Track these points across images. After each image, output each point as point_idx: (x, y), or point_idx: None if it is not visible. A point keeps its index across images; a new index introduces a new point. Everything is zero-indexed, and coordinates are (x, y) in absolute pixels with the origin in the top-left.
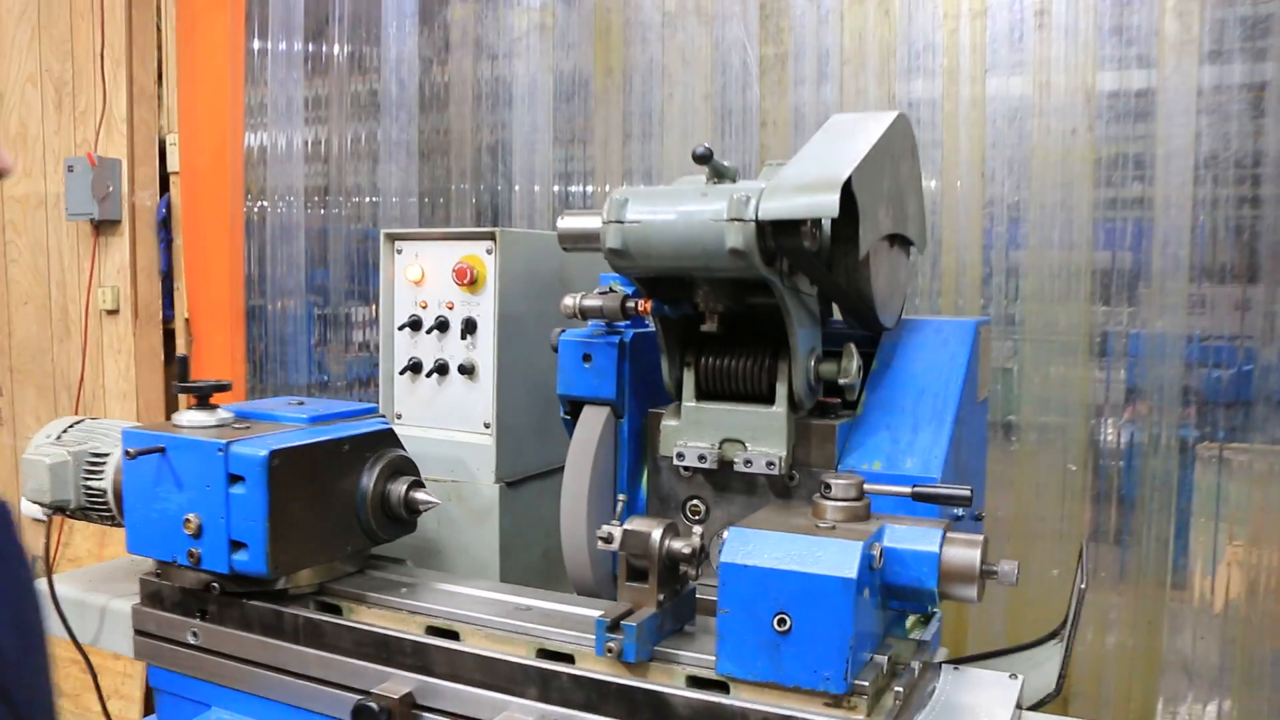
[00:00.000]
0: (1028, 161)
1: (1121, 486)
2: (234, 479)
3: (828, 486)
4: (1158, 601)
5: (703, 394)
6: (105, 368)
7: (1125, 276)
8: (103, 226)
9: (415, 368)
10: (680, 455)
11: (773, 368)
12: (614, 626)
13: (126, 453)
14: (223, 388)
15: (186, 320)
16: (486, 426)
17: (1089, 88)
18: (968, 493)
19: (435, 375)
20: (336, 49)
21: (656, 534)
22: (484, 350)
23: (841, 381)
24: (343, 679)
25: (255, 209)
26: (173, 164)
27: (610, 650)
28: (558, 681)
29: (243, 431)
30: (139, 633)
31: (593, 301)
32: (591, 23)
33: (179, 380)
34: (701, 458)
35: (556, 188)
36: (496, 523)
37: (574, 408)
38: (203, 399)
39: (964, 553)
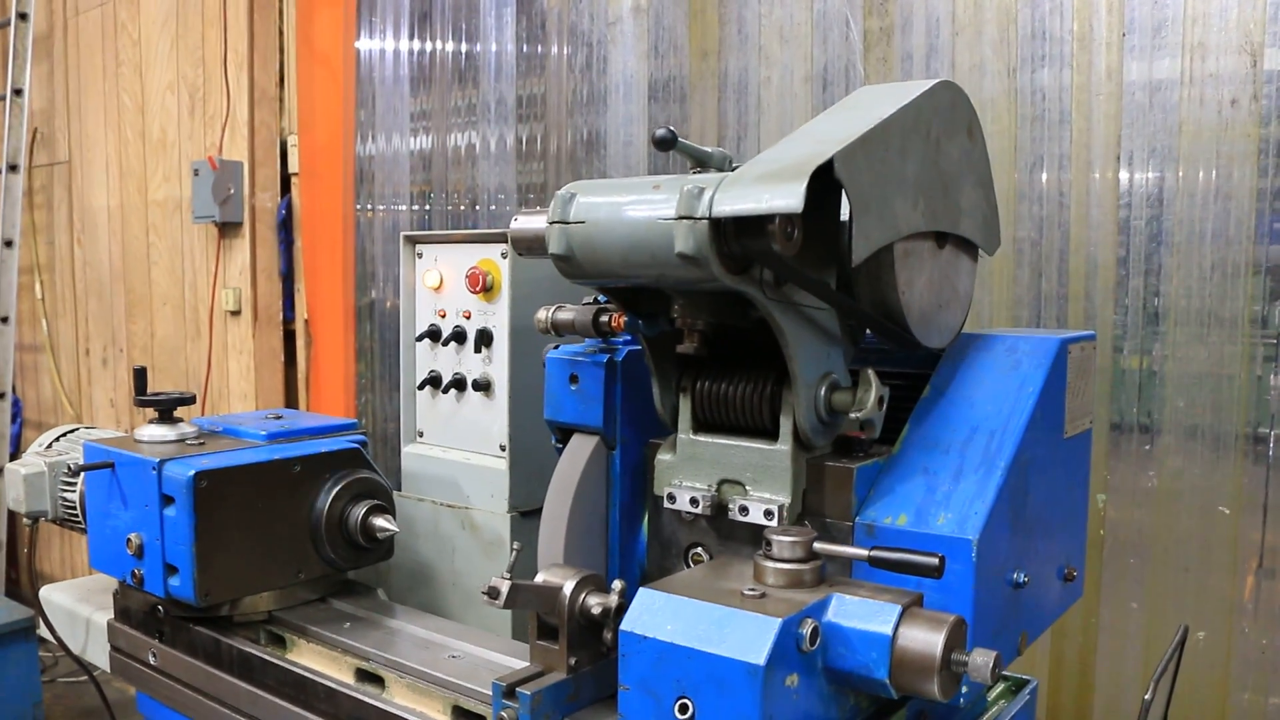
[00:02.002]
0: (1173, 141)
1: None
2: (167, 499)
3: (768, 543)
4: None
5: (700, 425)
6: (229, 368)
7: None
8: (226, 229)
9: (434, 382)
10: (671, 497)
11: (776, 396)
12: (509, 693)
13: (68, 467)
14: (185, 401)
15: (306, 321)
16: (503, 449)
17: (1255, 46)
18: (935, 562)
19: (453, 391)
20: (439, 44)
21: (568, 588)
22: (499, 365)
23: (854, 415)
24: (269, 719)
25: (365, 210)
26: (293, 165)
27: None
28: None
29: (192, 448)
30: (114, 649)
31: (566, 315)
32: (686, 1)
33: (137, 393)
34: (694, 501)
35: None
36: (508, 556)
37: (564, 435)
38: (164, 412)
39: (924, 637)
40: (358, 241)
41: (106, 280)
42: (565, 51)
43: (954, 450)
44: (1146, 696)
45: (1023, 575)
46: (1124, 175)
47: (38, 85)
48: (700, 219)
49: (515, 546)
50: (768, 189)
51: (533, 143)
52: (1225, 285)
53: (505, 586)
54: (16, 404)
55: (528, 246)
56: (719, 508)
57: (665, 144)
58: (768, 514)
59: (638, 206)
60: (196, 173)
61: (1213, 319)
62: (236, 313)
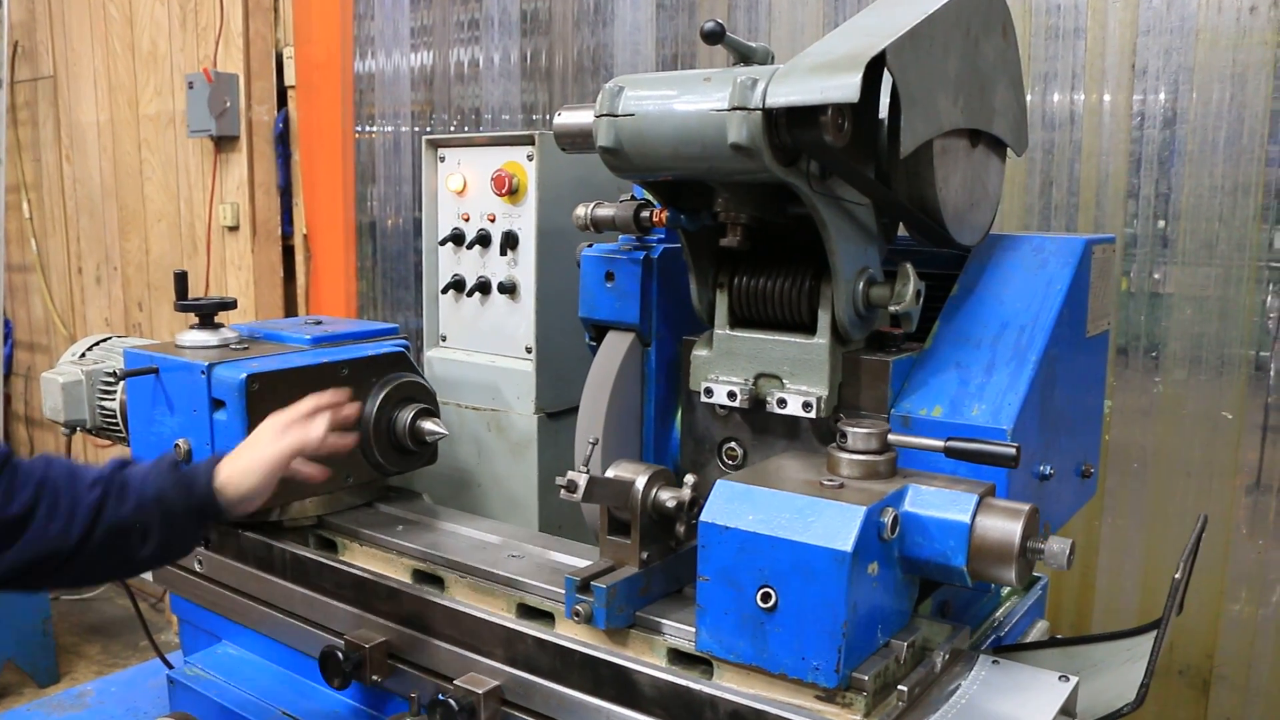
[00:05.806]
0: (1189, 51)
1: None
2: (217, 403)
3: (843, 435)
4: None
5: (737, 320)
6: (228, 284)
7: None
8: (222, 143)
9: (458, 286)
10: (709, 391)
11: (814, 291)
12: (584, 587)
13: (113, 372)
14: (226, 305)
15: (305, 236)
16: (529, 351)
17: None
18: (1012, 451)
19: (477, 294)
20: None
21: (641, 482)
22: (525, 267)
23: (893, 309)
24: (324, 620)
25: (365, 128)
26: (289, 78)
27: (578, 614)
28: (523, 645)
29: (238, 353)
30: None
31: (606, 211)
32: None
33: (178, 297)
34: (732, 395)
35: None
36: (536, 456)
37: (599, 333)
38: (205, 317)
39: (1001, 525)
40: (357, 159)
41: (98, 197)
42: None
43: (985, 345)
44: (1176, 575)
45: (1048, 468)
46: (1138, 86)
47: None
48: (754, 110)
49: (592, 440)
50: (822, 80)
51: (537, 58)
52: (1235, 200)
53: (583, 480)
54: (7, 325)
55: (572, 141)
56: (756, 401)
57: (714, 37)
58: (806, 406)
59: (689, 99)
60: (191, 85)
61: (1222, 233)
62: (234, 228)
